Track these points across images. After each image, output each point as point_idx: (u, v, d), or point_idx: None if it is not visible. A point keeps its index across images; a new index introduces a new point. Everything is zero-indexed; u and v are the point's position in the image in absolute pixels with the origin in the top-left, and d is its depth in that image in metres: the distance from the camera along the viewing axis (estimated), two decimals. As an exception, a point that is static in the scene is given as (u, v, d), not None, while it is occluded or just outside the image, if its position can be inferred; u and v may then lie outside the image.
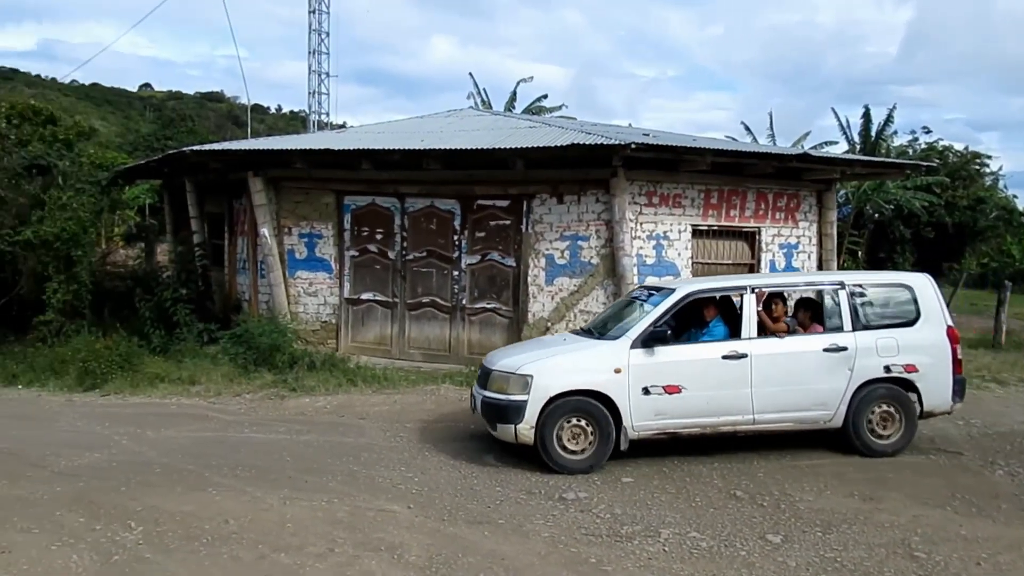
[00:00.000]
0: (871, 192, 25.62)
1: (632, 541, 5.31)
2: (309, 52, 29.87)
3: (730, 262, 13.27)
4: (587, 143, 11.26)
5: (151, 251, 20.82)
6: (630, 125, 26.27)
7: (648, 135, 13.75)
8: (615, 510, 5.96)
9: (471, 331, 12.88)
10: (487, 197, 12.68)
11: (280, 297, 13.15)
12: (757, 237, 13.37)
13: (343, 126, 36.31)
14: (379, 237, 13.16)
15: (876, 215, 27.24)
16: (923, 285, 8.08)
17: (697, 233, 12.87)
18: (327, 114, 30.63)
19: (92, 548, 4.87)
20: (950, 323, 7.97)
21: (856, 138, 29.86)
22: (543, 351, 7.91)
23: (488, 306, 12.75)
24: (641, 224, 12.40)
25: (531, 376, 7.22)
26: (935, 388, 7.81)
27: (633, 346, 7.42)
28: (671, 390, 7.41)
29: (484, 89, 29.57)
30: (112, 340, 14.01)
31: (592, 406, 7.24)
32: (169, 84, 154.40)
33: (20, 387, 14.44)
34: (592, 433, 7.21)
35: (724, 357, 7.57)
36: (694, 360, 7.61)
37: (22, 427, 9.15)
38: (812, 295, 8.68)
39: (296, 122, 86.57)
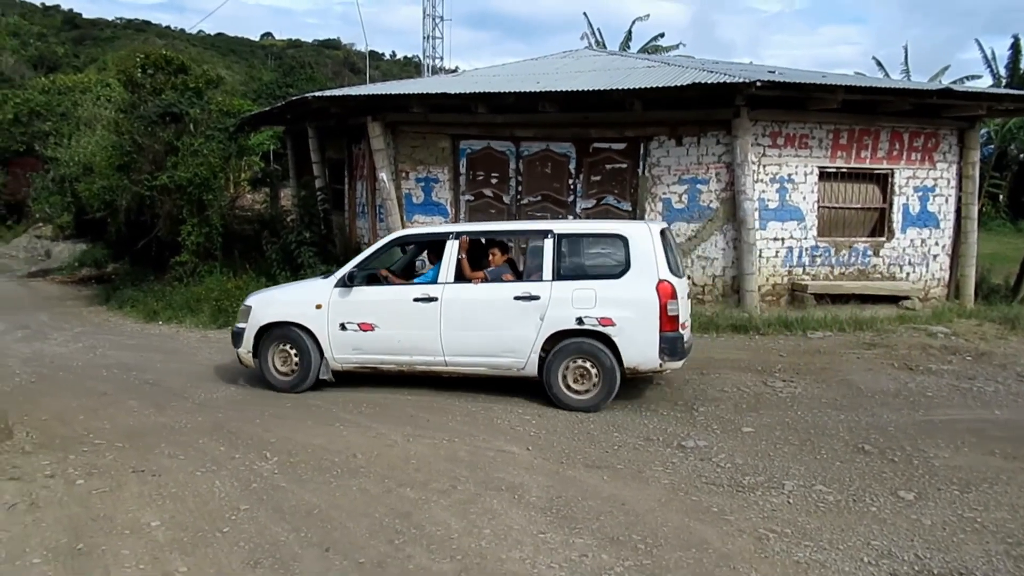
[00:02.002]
0: (1016, 131, 23.67)
1: (755, 492, 5.20)
2: (423, -4, 29.86)
3: (859, 206, 12.60)
4: (709, 82, 10.83)
5: (275, 196, 21.66)
6: (751, 63, 25.13)
7: (773, 72, 13.09)
8: (736, 460, 5.85)
9: (585, 275, 12.79)
10: (603, 140, 12.45)
11: (397, 241, 13.41)
12: (890, 179, 12.62)
13: (455, 71, 36.37)
14: (494, 181, 13.18)
15: (1021, 155, 25.19)
16: (640, 236, 7.46)
17: (824, 176, 12.27)
18: (441, 59, 30.76)
19: (232, 475, 5.19)
20: (664, 277, 7.26)
21: (1003, 71, 27.55)
22: (276, 289, 9.15)
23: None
24: (764, 166, 11.92)
25: (251, 307, 8.29)
26: (636, 344, 7.26)
27: (337, 285, 8.04)
28: (365, 327, 7.92)
29: (599, 29, 28.88)
30: (242, 280, 14.77)
31: (297, 336, 7.99)
32: (289, 32, 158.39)
33: (160, 323, 15.50)
34: (296, 359, 7.97)
35: (415, 299, 7.81)
36: (387, 300, 7.98)
37: (166, 360, 9.81)
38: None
39: (409, 67, 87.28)
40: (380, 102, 12.95)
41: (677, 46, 29.12)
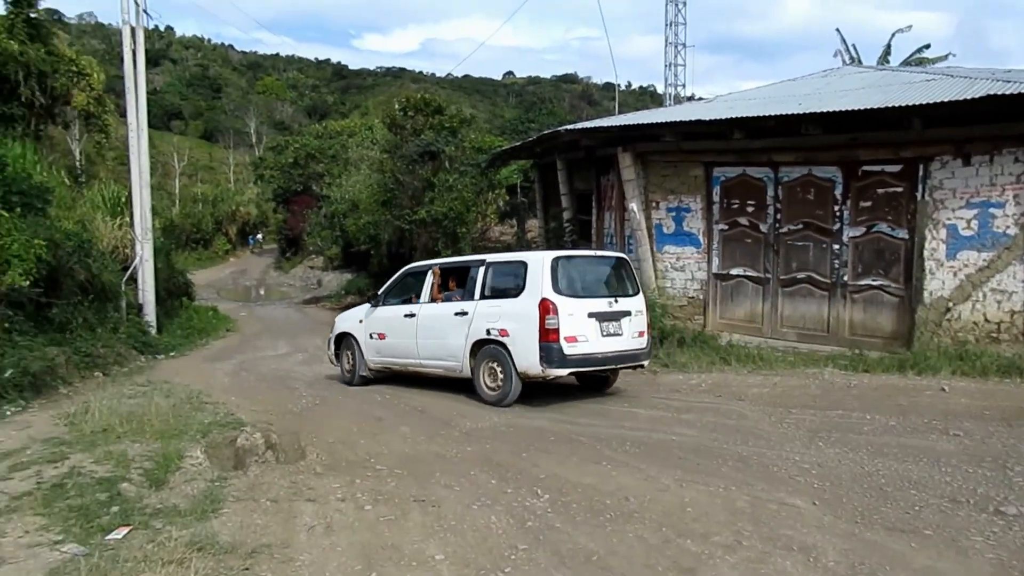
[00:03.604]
0: None
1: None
2: (666, 24, 29.69)
3: None
4: (1008, 92, 9.53)
5: (522, 228, 22.31)
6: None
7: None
8: (1077, 536, 4.88)
9: (853, 310, 11.75)
10: (874, 162, 11.41)
11: (648, 272, 13.17)
12: None
13: (691, 97, 35.71)
14: (750, 209, 12.55)
15: None
16: (535, 262, 9.01)
17: None
18: (683, 86, 30.31)
19: (507, 511, 5.15)
20: (545, 296, 8.61)
21: None
22: (352, 309, 12.27)
23: (874, 283, 11.52)
24: (1078, 186, 10.28)
25: (335, 322, 12.06)
26: (523, 352, 8.70)
27: (371, 305, 11.15)
28: (380, 336, 10.79)
29: (853, 45, 26.99)
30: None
31: (351, 342, 11.26)
32: (529, 70, 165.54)
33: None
34: (350, 359, 11.32)
35: (405, 315, 10.40)
36: (392, 316, 10.70)
37: (430, 387, 10.24)
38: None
39: (645, 97, 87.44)
40: (631, 132, 12.84)
41: (945, 57, 26.46)
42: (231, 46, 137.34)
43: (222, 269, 49.74)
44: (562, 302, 8.62)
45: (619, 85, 52.58)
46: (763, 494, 5.52)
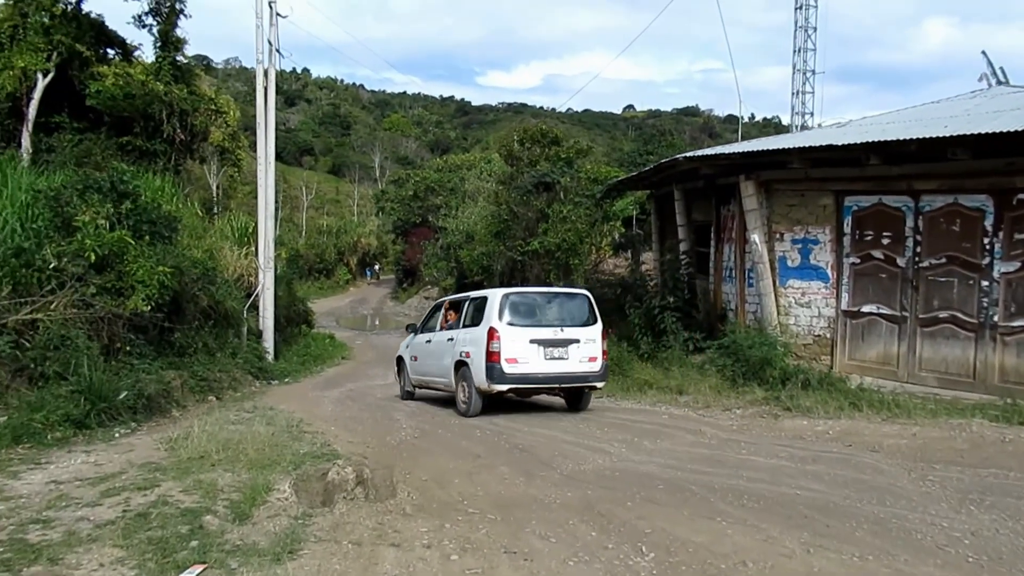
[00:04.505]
0: None
1: None
2: (794, 50, 28.64)
3: None
4: None
5: (637, 260, 21.69)
6: None
7: None
8: None
9: (1005, 354, 10.53)
10: (1033, 190, 10.24)
11: (769, 307, 12.33)
12: None
13: (819, 126, 34.07)
14: (885, 241, 11.55)
15: None
16: (492, 297, 10.82)
17: None
18: (811, 114, 28.94)
19: (607, 570, 4.62)
20: (492, 325, 10.28)
21: None
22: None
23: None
24: None
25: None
26: (477, 371, 10.41)
27: (412, 333, 13.55)
28: (415, 359, 13.00)
29: (1001, 68, 24.95)
30: (604, 344, 14.69)
31: (403, 365, 13.70)
32: (649, 103, 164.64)
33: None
34: (401, 378, 13.80)
35: (426, 342, 12.60)
36: (420, 342, 12.88)
37: (531, 424, 9.86)
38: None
39: (769, 128, 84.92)
40: (755, 159, 12.13)
41: (1109, 80, 24.10)
42: (361, 86, 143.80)
43: (342, 298, 51.28)
44: (505, 330, 10.31)
45: (743, 117, 51.00)
46: (907, 567, 4.75)
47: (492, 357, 10.13)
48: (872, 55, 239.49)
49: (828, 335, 12.16)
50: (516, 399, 11.56)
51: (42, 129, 21.63)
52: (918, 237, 11.24)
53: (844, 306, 12.02)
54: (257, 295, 18.21)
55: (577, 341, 10.56)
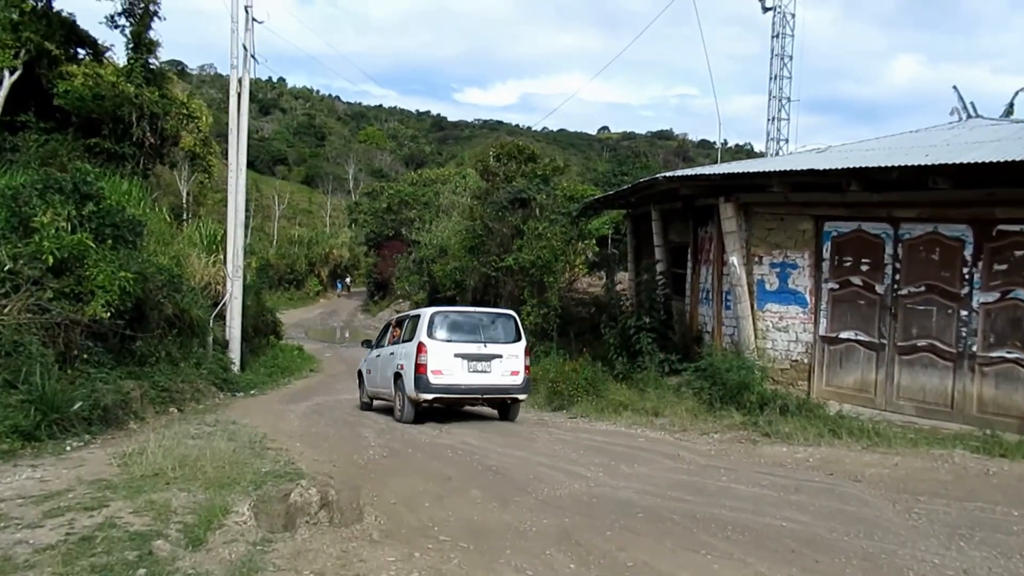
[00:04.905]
0: None
1: None
2: (770, 77, 28.74)
3: None
4: None
5: (612, 280, 21.53)
6: None
7: None
8: None
9: (983, 385, 10.45)
10: (1012, 221, 10.21)
11: (747, 331, 12.19)
12: None
13: (798, 152, 34.35)
14: (864, 268, 11.47)
15: None
16: (424, 315, 11.88)
17: None
18: (785, 141, 29.09)
19: (586, 606, 4.34)
20: (421, 340, 11.26)
21: None
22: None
23: (1009, 355, 10.22)
24: None
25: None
26: (408, 382, 11.38)
27: (368, 348, 14.75)
28: (369, 371, 13.96)
29: (971, 103, 25.33)
30: (578, 364, 14.45)
31: (362, 378, 14.71)
32: (624, 126, 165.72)
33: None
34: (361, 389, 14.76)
35: (376, 356, 13.62)
36: (373, 357, 13.83)
37: (505, 444, 9.52)
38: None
39: (741, 155, 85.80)
40: (735, 181, 12.01)
41: (1078, 117, 24.51)
42: (337, 97, 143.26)
43: (312, 309, 50.59)
44: (432, 344, 11.25)
45: (720, 142, 51.30)
46: (899, 607, 4.53)
47: (420, 369, 11.07)
48: (842, 87, 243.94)
49: (806, 360, 12.03)
50: (461, 411, 12.63)
51: (7, 128, 21.04)
52: (897, 264, 11.17)
53: (822, 331, 11.91)
54: (224, 304, 17.73)
55: (500, 356, 11.51)
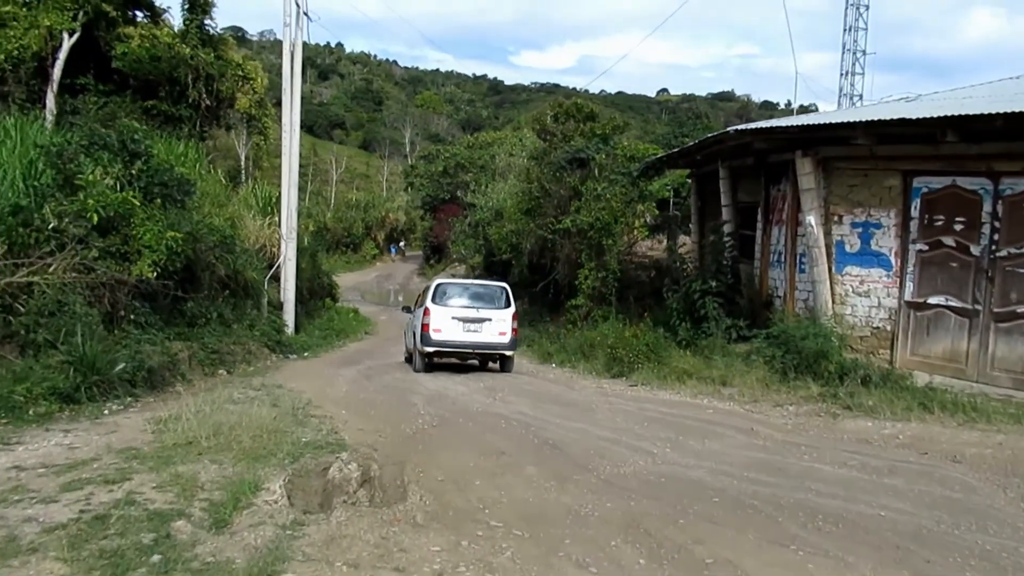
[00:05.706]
0: None
1: None
2: (844, 29, 27.06)
3: None
4: None
5: (674, 242, 20.59)
6: None
7: None
8: None
9: (1092, 356, 9.42)
10: None
11: (823, 295, 11.29)
12: None
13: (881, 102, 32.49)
14: (958, 227, 10.45)
15: None
16: (430, 285, 14.39)
17: None
18: (860, 97, 27.45)
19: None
20: (427, 305, 13.45)
21: None
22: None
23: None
24: None
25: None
26: (417, 338, 13.66)
27: (408, 312, 16.84)
28: (405, 333, 16.51)
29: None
30: (638, 329, 13.76)
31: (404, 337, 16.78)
32: (683, 88, 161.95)
33: (554, 365, 15.13)
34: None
35: (411, 319, 15.38)
36: (411, 319, 15.46)
37: (563, 416, 8.92)
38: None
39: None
40: (815, 133, 11.04)
41: None
42: (395, 62, 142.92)
43: (368, 273, 50.66)
44: (434, 308, 13.31)
45: (778, 103, 49.29)
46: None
47: (424, 328, 13.23)
48: (914, 43, 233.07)
49: (888, 327, 11.10)
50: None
51: (67, 91, 21.08)
52: (996, 224, 10.13)
53: (908, 296, 10.95)
54: (279, 266, 17.49)
55: (490, 319, 13.43)
